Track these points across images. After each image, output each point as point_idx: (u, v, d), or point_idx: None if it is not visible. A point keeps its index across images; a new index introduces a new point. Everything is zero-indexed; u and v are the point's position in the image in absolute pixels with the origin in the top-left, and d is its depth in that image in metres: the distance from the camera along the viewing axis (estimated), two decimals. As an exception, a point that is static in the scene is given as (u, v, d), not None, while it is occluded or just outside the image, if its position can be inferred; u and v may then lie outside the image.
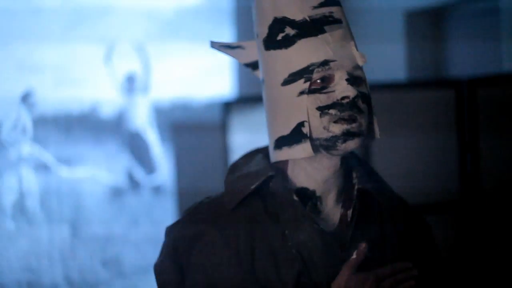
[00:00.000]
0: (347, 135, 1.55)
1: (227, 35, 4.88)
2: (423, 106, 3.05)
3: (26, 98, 4.71)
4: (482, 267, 3.01)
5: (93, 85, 5.02)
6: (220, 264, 1.59)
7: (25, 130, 4.72)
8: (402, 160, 3.04)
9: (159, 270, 1.65)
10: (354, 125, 1.55)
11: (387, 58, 3.73)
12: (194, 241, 1.63)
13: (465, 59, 3.61)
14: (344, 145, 1.56)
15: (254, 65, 1.78)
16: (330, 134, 1.55)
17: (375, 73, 3.39)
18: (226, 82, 4.97)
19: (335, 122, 1.54)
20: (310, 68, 1.57)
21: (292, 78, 1.59)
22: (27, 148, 4.77)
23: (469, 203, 3.05)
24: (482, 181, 3.02)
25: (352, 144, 1.57)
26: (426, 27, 3.78)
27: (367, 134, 1.61)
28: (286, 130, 1.60)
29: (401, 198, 1.79)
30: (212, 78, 5.05)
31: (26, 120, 4.72)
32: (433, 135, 3.04)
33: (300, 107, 1.57)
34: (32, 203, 4.81)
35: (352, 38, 1.62)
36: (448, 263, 1.81)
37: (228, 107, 3.45)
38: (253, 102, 3.29)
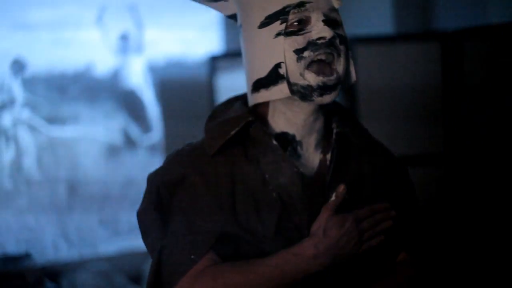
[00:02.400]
0: (323, 89, 1.56)
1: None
2: (409, 58, 3.05)
3: (14, 64, 4.73)
4: (464, 219, 3.04)
5: (87, 45, 5.02)
6: (202, 208, 1.60)
7: (11, 91, 4.74)
8: (388, 113, 3.06)
9: (142, 216, 1.67)
10: (332, 77, 1.57)
11: (374, 11, 3.72)
12: (175, 186, 1.64)
13: (452, 11, 3.60)
14: (320, 98, 1.57)
15: (236, 17, 1.79)
16: (306, 83, 1.56)
17: (361, 26, 3.39)
18: (216, 38, 4.98)
19: (310, 68, 1.56)
20: (286, 10, 1.57)
21: (268, 21, 1.60)
22: (23, 109, 4.80)
23: (453, 155, 3.07)
24: (467, 134, 3.03)
25: (328, 98, 1.58)
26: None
27: (344, 79, 1.62)
28: (263, 72, 1.61)
29: (379, 142, 1.81)
30: (202, 36, 5.05)
31: (14, 83, 4.74)
32: (419, 87, 3.05)
33: (277, 49, 1.58)
34: (29, 163, 4.84)
35: None
36: (422, 208, 1.83)
37: (215, 61, 3.46)
38: (240, 57, 3.30)
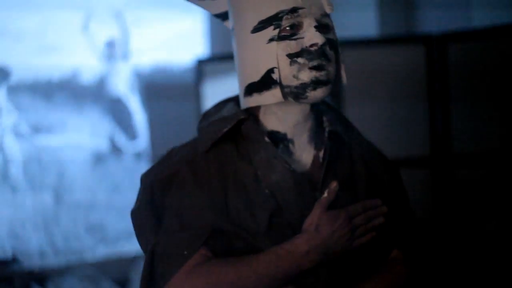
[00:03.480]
0: (316, 83, 1.59)
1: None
2: (394, 62, 3.07)
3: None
4: (451, 220, 3.06)
5: (73, 52, 5.02)
6: (193, 204, 1.62)
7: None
8: (373, 115, 3.08)
9: (136, 216, 1.69)
10: (323, 73, 1.59)
11: (358, 14, 3.74)
12: (167, 183, 1.66)
13: (436, 14, 3.63)
14: (313, 92, 1.60)
15: (224, 16, 1.81)
16: (300, 82, 1.59)
17: (346, 30, 3.41)
18: (202, 45, 4.98)
19: (303, 70, 1.58)
20: (279, 15, 1.60)
21: (261, 26, 1.62)
22: (9, 116, 4.79)
23: (439, 157, 3.09)
24: (452, 136, 3.05)
25: (321, 92, 1.60)
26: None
27: (334, 81, 1.64)
28: (256, 77, 1.63)
29: (369, 142, 1.83)
30: (189, 42, 5.06)
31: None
32: (404, 90, 3.07)
33: (270, 54, 1.60)
34: (15, 171, 4.83)
35: None
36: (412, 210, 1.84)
37: (201, 65, 3.48)
38: (227, 61, 3.31)
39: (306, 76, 1.59)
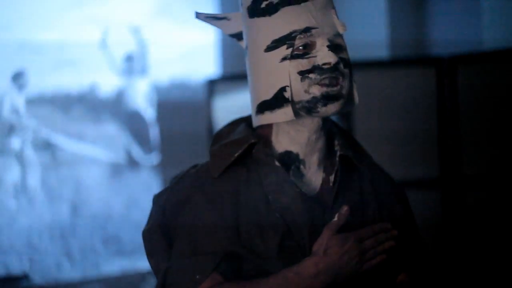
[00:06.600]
0: (327, 99, 1.60)
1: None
2: (405, 83, 3.08)
3: (16, 78, 4.78)
4: (461, 243, 3.06)
5: (91, 66, 5.07)
6: (205, 228, 1.63)
7: (17, 109, 4.79)
8: (384, 137, 3.08)
9: (148, 237, 1.70)
10: (335, 88, 1.61)
11: (370, 36, 3.75)
12: (180, 206, 1.67)
13: (446, 36, 3.64)
14: (325, 108, 1.62)
15: (239, 36, 1.84)
16: (311, 96, 1.61)
17: (357, 51, 3.42)
18: (214, 61, 5.01)
19: (314, 85, 1.60)
20: (293, 35, 1.62)
21: (275, 45, 1.64)
22: (27, 128, 4.84)
23: (449, 179, 3.09)
24: (463, 159, 3.05)
25: (332, 108, 1.62)
26: (408, 5, 3.81)
27: (347, 100, 1.66)
28: (268, 95, 1.65)
29: (379, 166, 1.85)
30: (200, 57, 5.08)
31: (18, 100, 4.79)
32: (414, 112, 3.08)
33: (282, 73, 1.63)
34: (33, 183, 4.88)
35: (333, 7, 1.68)
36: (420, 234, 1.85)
37: (212, 85, 3.51)
38: (238, 80, 3.34)
39: (317, 90, 1.60)
